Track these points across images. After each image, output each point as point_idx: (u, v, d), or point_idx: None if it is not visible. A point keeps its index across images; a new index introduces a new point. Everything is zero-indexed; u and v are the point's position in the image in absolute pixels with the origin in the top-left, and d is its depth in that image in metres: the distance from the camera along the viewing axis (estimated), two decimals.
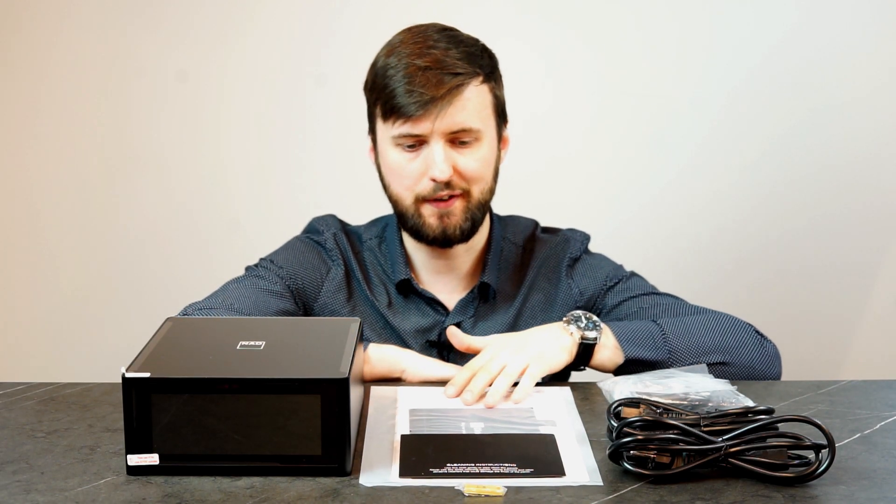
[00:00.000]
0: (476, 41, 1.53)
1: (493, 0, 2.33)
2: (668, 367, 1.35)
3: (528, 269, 1.59)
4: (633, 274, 1.61)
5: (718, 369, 1.38)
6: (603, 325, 1.39)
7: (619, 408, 1.12)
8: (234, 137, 2.41)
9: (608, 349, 1.38)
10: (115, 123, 2.41)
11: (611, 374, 1.39)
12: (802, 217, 2.38)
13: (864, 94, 2.33)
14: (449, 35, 1.50)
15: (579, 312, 1.39)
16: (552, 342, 1.36)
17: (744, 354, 1.43)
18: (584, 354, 1.37)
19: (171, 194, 2.43)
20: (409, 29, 1.51)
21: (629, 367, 1.38)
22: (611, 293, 1.57)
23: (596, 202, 2.37)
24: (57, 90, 2.40)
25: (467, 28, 1.58)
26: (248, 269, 1.58)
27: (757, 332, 1.48)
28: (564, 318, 1.39)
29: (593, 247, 1.64)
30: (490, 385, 1.29)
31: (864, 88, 2.33)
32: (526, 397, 1.28)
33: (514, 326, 1.55)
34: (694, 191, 2.38)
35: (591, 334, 1.37)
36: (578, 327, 1.37)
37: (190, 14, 2.36)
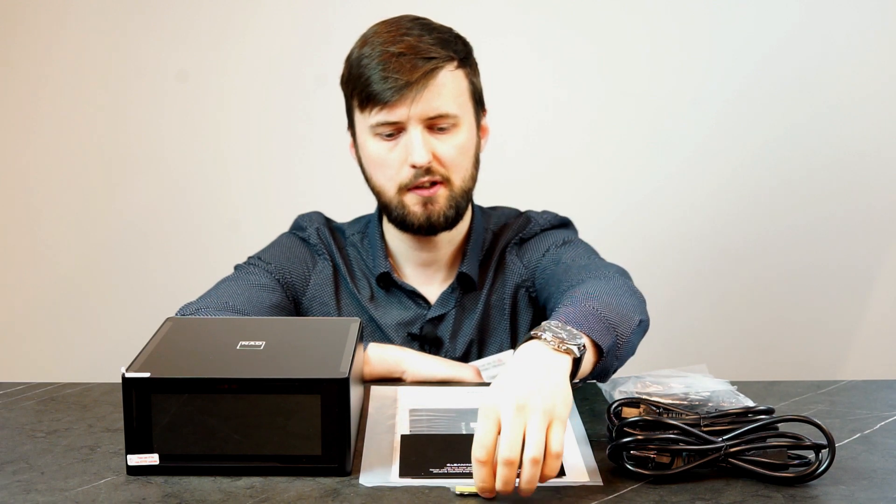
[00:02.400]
0: (449, 29, 1.54)
1: (495, 0, 2.33)
2: (618, 352, 1.23)
3: (494, 254, 1.61)
4: (571, 240, 1.60)
5: (639, 329, 1.30)
6: (569, 328, 1.15)
7: (619, 408, 1.12)
8: (234, 137, 2.41)
9: (589, 352, 1.17)
10: (115, 123, 2.41)
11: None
12: (803, 217, 2.38)
13: (864, 95, 2.33)
14: (422, 23, 1.52)
15: (546, 325, 1.14)
16: (552, 374, 1.07)
17: (640, 303, 1.36)
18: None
19: (171, 194, 2.43)
20: (383, 21, 1.53)
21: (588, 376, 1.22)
22: (545, 258, 1.58)
23: (597, 202, 2.37)
24: (57, 90, 2.40)
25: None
26: (237, 267, 1.59)
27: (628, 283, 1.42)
28: (541, 338, 1.12)
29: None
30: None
31: (864, 88, 2.33)
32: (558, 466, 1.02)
33: (483, 314, 1.58)
34: (695, 190, 2.38)
35: (575, 344, 1.12)
36: (560, 339, 1.12)
37: (190, 14, 2.36)
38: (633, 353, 1.34)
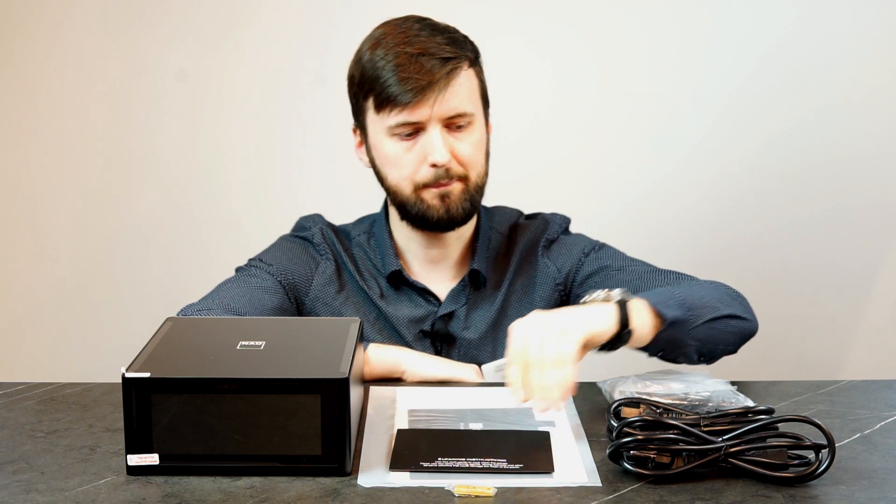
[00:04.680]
0: (455, 29, 1.55)
1: (495, 0, 2.33)
2: (691, 328, 1.32)
3: (513, 255, 1.61)
4: (604, 245, 1.63)
5: (731, 323, 1.37)
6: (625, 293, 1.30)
7: (619, 408, 1.13)
8: (234, 137, 2.41)
9: (644, 313, 1.28)
10: (116, 123, 2.41)
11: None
12: (802, 216, 2.38)
13: (864, 94, 2.33)
14: (428, 24, 1.53)
15: (596, 291, 1.30)
16: (591, 310, 1.24)
17: (741, 305, 1.42)
18: (623, 322, 1.26)
19: (171, 194, 2.43)
20: (387, 23, 1.53)
21: (654, 344, 1.31)
22: (584, 264, 1.59)
23: (595, 201, 2.37)
24: (57, 90, 2.40)
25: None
26: (238, 269, 1.59)
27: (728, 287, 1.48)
28: (587, 299, 1.29)
29: None
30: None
31: (864, 88, 2.33)
32: (574, 375, 1.16)
33: (501, 313, 1.58)
34: (694, 189, 2.38)
35: (618, 296, 1.27)
36: (605, 297, 1.27)
37: (190, 14, 2.36)
38: (726, 346, 1.38)
